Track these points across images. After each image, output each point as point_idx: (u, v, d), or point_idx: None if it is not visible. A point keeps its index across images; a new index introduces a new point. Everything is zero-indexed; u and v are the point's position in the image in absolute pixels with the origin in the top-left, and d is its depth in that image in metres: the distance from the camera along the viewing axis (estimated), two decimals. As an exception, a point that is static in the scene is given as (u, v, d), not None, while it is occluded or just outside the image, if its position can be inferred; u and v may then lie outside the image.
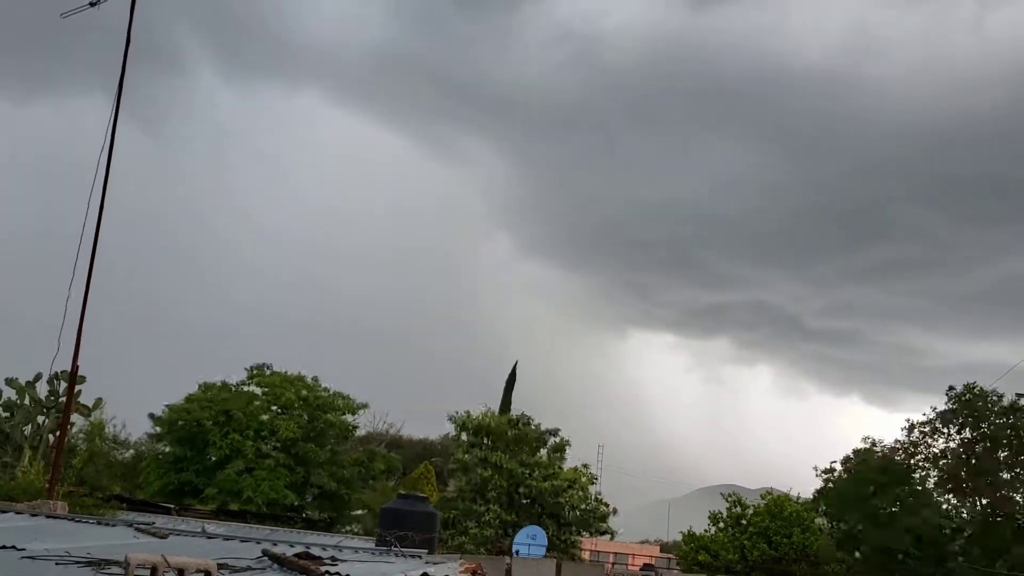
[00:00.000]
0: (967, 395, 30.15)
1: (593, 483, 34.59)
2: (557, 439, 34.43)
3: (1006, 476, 29.98)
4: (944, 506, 30.54)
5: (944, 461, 30.75)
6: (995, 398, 30.07)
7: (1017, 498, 29.84)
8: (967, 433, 30.49)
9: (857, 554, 31.35)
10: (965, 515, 30.02)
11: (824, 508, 33.24)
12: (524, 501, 32.89)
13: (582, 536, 34.14)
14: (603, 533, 35.69)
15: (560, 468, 33.58)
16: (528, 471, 32.58)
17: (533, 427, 34.32)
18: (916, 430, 31.21)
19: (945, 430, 30.83)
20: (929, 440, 31.21)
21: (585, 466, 34.99)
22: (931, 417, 30.95)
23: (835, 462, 33.21)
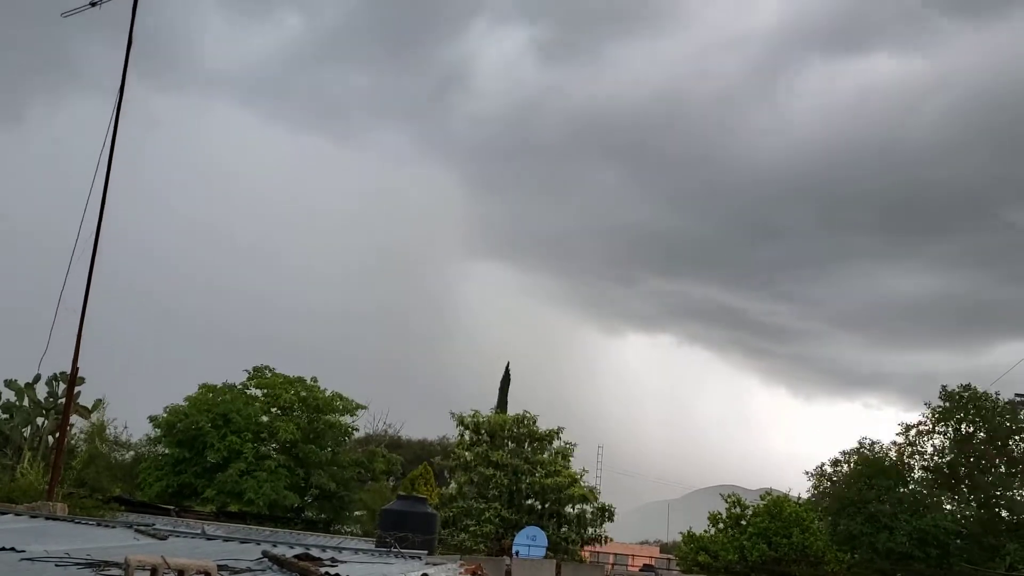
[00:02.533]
0: (963, 395, 30.37)
1: (596, 496, 34.55)
2: (562, 442, 34.51)
3: (1003, 471, 30.07)
4: (947, 507, 30.58)
5: (938, 458, 30.85)
6: (994, 396, 30.31)
7: (1014, 493, 29.96)
8: (965, 428, 30.61)
9: (856, 555, 31.37)
10: (969, 515, 30.03)
11: (822, 511, 33.25)
12: (527, 500, 32.95)
13: (588, 531, 34.14)
14: (598, 540, 35.73)
15: (564, 467, 33.62)
16: (531, 468, 32.67)
17: (537, 427, 34.41)
18: (913, 430, 31.32)
19: (942, 427, 30.93)
20: (922, 440, 31.35)
21: (584, 471, 35.07)
22: (927, 415, 31.09)
23: (824, 464, 33.30)
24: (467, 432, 34.51)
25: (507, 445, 33.67)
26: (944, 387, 30.81)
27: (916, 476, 31.41)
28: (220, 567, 5.53)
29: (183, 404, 33.30)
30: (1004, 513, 30.00)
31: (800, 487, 42.30)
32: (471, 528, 31.21)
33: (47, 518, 9.75)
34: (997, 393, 30.47)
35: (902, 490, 30.54)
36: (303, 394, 34.61)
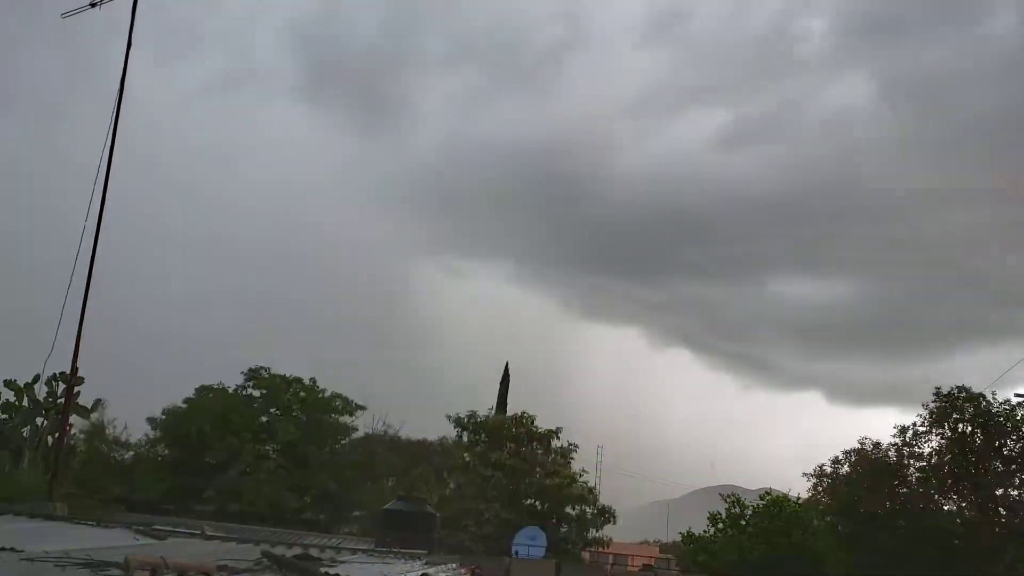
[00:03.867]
0: (959, 396, 30.42)
1: (593, 493, 34.56)
2: (561, 442, 34.52)
3: (1000, 467, 30.09)
4: (946, 507, 30.60)
5: (936, 459, 30.85)
6: (991, 395, 30.40)
7: (1013, 493, 29.98)
8: (963, 429, 30.62)
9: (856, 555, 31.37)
10: (968, 515, 30.03)
11: (822, 510, 33.23)
12: (526, 501, 32.94)
13: (589, 533, 34.15)
14: (601, 543, 35.74)
15: (564, 467, 33.63)
16: (530, 468, 32.70)
17: (536, 427, 34.41)
18: (910, 431, 31.34)
19: (939, 428, 30.94)
20: (920, 441, 31.37)
21: (584, 471, 35.08)
22: (924, 416, 31.11)
23: (824, 465, 33.29)
24: (466, 433, 34.55)
25: (507, 446, 33.69)
26: (938, 388, 30.81)
27: (914, 477, 31.41)
28: (219, 567, 5.54)
29: (182, 406, 33.37)
30: (1003, 513, 30.03)
31: (796, 484, 42.30)
32: (471, 529, 31.21)
33: (47, 518, 9.76)
34: (994, 393, 30.56)
35: (903, 490, 30.55)
36: (302, 394, 34.65)
